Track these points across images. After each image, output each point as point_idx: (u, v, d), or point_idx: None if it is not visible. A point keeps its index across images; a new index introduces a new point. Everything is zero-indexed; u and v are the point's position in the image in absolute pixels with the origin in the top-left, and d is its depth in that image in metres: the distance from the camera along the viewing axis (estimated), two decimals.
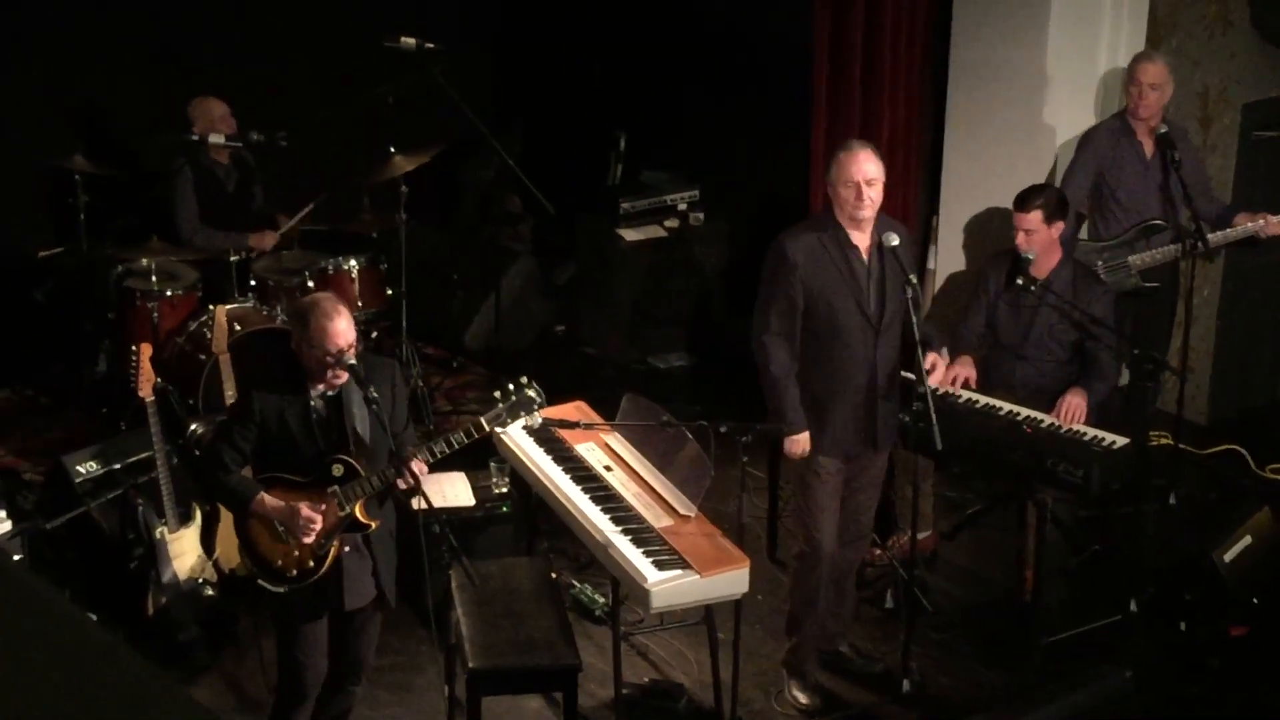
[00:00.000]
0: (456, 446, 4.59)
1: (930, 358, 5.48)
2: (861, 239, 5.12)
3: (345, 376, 4.46)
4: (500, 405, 4.66)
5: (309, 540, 4.50)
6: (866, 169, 5.01)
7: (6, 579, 1.23)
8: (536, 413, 4.74)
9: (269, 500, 4.50)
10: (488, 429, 4.65)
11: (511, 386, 4.67)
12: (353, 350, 4.43)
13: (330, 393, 4.50)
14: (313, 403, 4.49)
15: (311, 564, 4.55)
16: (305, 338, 4.41)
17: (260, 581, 4.60)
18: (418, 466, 4.49)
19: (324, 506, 4.49)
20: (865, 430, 5.25)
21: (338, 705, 4.87)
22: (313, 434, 4.50)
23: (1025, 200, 5.94)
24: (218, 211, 7.17)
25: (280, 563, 4.57)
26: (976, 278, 6.30)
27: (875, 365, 5.18)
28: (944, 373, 5.85)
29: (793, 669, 5.49)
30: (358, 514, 4.53)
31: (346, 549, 4.57)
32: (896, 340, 5.24)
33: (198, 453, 5.97)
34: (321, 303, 4.47)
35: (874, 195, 5.04)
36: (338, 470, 4.50)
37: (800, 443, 5.18)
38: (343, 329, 4.40)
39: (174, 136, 7.09)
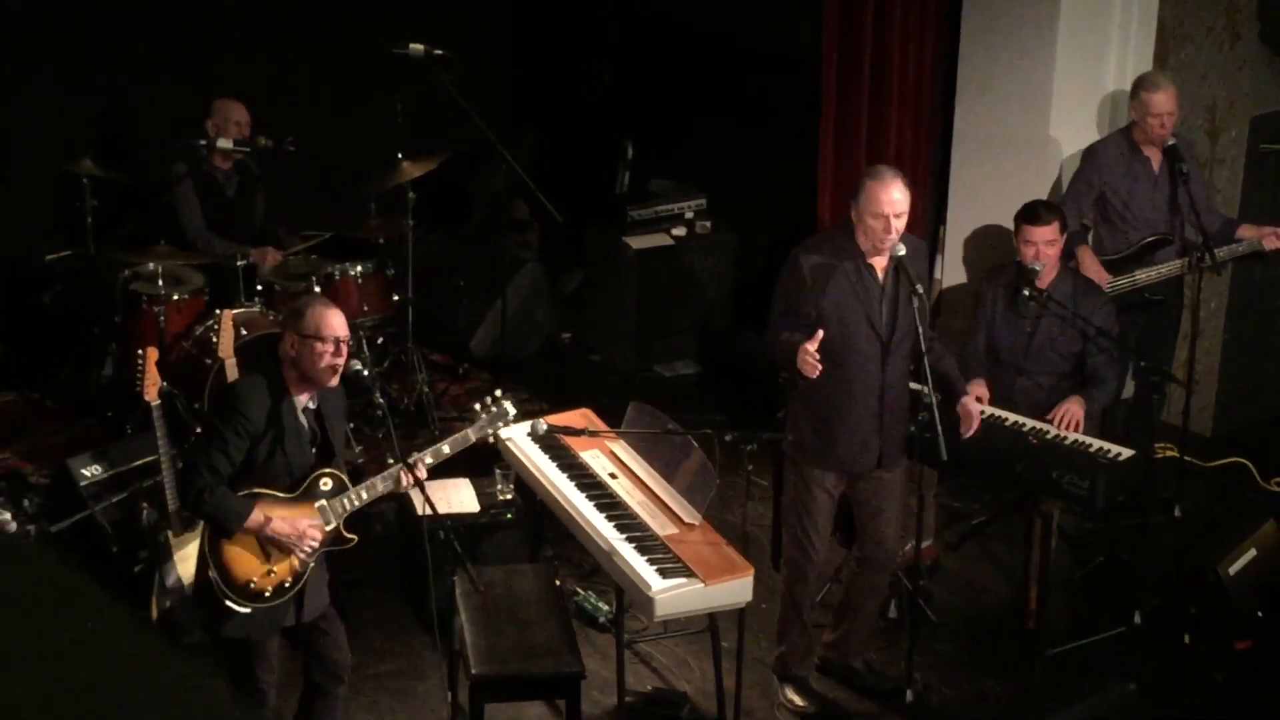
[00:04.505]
0: (438, 460, 4.69)
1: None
2: (879, 259, 5.08)
3: (337, 377, 4.46)
4: (483, 418, 4.81)
5: (305, 557, 4.47)
6: (897, 202, 4.95)
7: (45, 574, 1.23)
8: (542, 420, 4.79)
9: (271, 517, 4.41)
10: (475, 439, 4.81)
11: (489, 400, 4.84)
12: (346, 347, 4.45)
13: (312, 405, 4.50)
14: (300, 414, 4.48)
15: (289, 582, 4.50)
16: (299, 328, 4.42)
17: (228, 603, 4.44)
18: (420, 472, 4.56)
19: (319, 522, 4.49)
20: (872, 448, 5.20)
21: (326, 712, 4.82)
22: (302, 446, 4.47)
23: (1037, 215, 5.92)
24: (217, 218, 7.16)
25: (255, 582, 4.45)
26: (975, 296, 6.29)
27: (884, 383, 5.13)
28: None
29: (784, 675, 5.50)
30: (342, 529, 4.54)
31: (311, 563, 4.55)
32: (906, 358, 5.19)
33: (179, 465, 5.93)
34: (316, 298, 4.69)
35: (900, 225, 4.98)
36: (326, 484, 4.49)
37: (808, 348, 4.87)
38: (338, 323, 4.43)
39: (177, 141, 7.10)
